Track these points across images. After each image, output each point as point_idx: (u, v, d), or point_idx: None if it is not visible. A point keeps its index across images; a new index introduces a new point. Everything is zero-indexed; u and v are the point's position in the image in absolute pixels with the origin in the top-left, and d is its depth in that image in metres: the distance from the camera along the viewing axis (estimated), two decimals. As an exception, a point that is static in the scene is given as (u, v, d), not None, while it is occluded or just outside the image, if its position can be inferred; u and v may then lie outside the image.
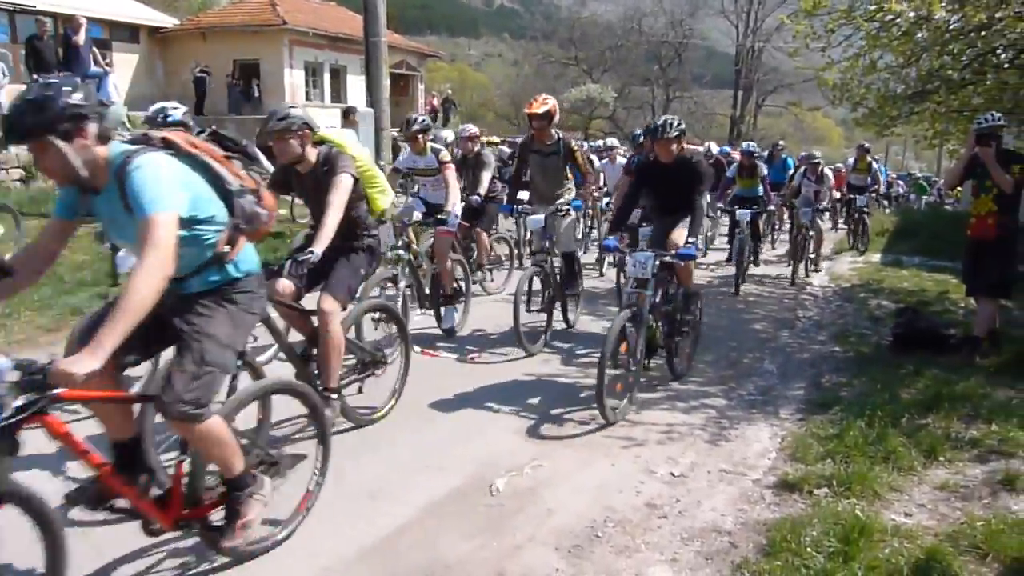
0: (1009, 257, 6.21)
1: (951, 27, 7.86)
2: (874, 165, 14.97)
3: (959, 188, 7.61)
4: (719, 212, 12.55)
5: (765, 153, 14.44)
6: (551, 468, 4.30)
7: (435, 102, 34.30)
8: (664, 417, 5.20)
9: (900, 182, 33.41)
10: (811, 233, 11.04)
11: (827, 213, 13.88)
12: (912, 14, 7.65)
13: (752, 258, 10.84)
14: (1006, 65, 8.48)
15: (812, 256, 11.40)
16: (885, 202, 24.72)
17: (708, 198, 11.28)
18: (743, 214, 10.04)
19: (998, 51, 8.43)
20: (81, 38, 13.86)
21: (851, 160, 15.53)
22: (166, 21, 27.65)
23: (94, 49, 14.65)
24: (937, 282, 10.19)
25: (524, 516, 3.76)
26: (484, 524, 3.67)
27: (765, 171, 11.01)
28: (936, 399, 5.16)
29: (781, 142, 14.40)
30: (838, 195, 14.80)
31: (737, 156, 13.31)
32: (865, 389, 5.67)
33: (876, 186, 15.19)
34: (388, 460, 4.31)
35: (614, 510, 3.82)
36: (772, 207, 11.30)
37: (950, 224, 14.72)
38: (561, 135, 6.95)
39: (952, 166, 7.73)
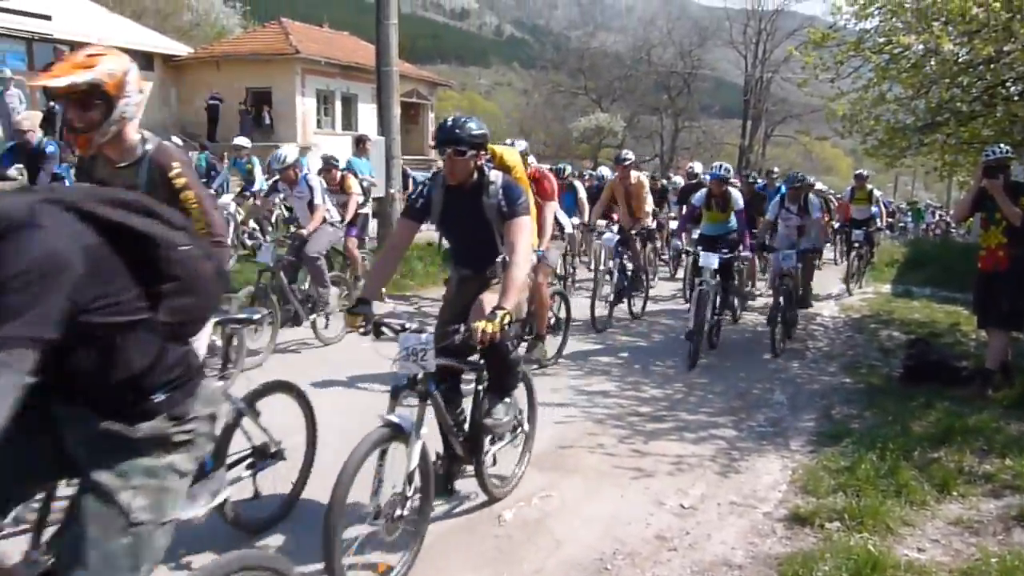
0: (1020, 289, 6.15)
1: (960, 60, 7.90)
2: (876, 194, 13.79)
3: (970, 220, 7.57)
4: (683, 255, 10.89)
5: (761, 182, 14.10)
6: (559, 498, 4.27)
7: (445, 130, 34.51)
8: (673, 448, 5.16)
9: (906, 214, 33.27)
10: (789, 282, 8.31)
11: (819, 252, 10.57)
12: (921, 47, 7.70)
13: (729, 314, 8.71)
14: (1015, 98, 8.51)
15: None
16: (888, 231, 24.62)
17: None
18: (708, 259, 7.47)
19: (1007, 84, 8.47)
20: None
21: (848, 190, 14.01)
22: (180, 50, 28.06)
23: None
24: (948, 313, 10.14)
25: (532, 547, 3.73)
26: (492, 555, 3.64)
27: (741, 203, 8.11)
28: (948, 432, 5.11)
29: (776, 169, 12.69)
30: (836, 225, 14.38)
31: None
32: (876, 421, 5.63)
33: (878, 219, 13.57)
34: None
35: (623, 542, 3.78)
36: (746, 252, 8.09)
37: (961, 255, 14.68)
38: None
39: (961, 198, 7.73)
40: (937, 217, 33.80)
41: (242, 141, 13.36)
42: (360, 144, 11.56)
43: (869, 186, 13.39)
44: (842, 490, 4.24)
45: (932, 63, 8.10)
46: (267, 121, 25.39)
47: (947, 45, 7.28)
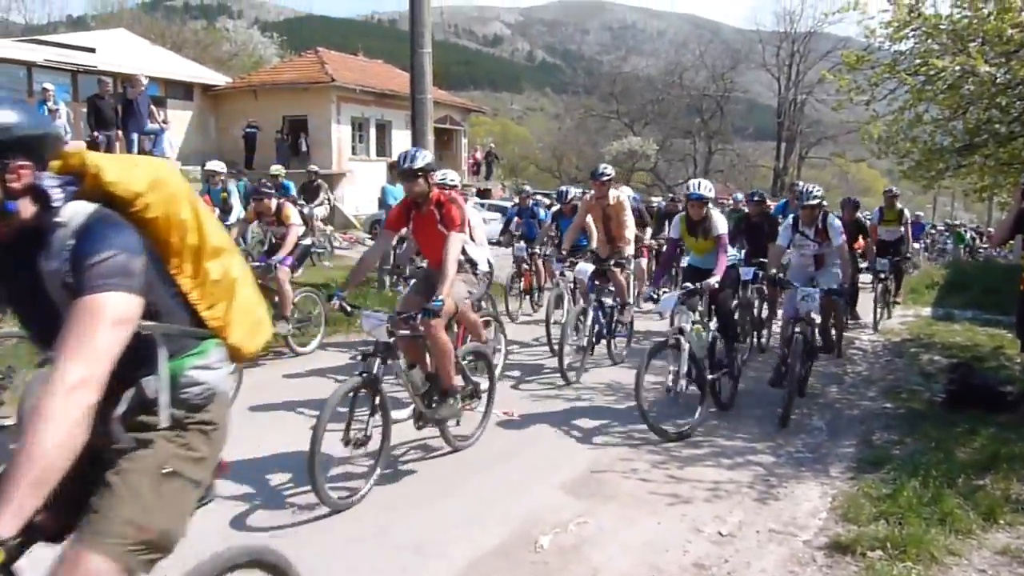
0: None
1: (998, 80, 7.80)
2: (906, 213, 12.12)
3: (1011, 242, 7.42)
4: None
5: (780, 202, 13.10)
6: (596, 525, 4.25)
7: (478, 155, 34.87)
8: (710, 474, 5.11)
9: (945, 233, 32.65)
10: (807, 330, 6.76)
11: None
12: (957, 68, 7.61)
13: (727, 370, 6.75)
14: (1056, 118, 8.39)
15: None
16: (926, 253, 24.14)
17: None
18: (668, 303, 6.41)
19: (1047, 104, 8.35)
20: (137, 95, 14.46)
21: (877, 210, 12.35)
22: (219, 80, 28.68)
23: (152, 107, 15.26)
24: (991, 336, 9.94)
25: (569, 574, 3.71)
26: (528, 582, 3.63)
27: (722, 228, 6.63)
28: (993, 459, 5.01)
29: (802, 184, 9.46)
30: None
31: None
32: (918, 447, 5.52)
33: (906, 242, 11.90)
34: (432, 515, 4.29)
35: (661, 570, 3.75)
36: (714, 279, 6.31)
37: (1003, 277, 14.40)
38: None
39: (1002, 220, 7.58)
40: (975, 242, 33.26)
41: (276, 169, 13.53)
42: (395, 170, 11.70)
43: (899, 205, 11.87)
44: (884, 518, 4.16)
45: (969, 84, 8.02)
46: (304, 148, 25.78)
47: (983, 67, 7.20)
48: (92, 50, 23.43)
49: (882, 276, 10.98)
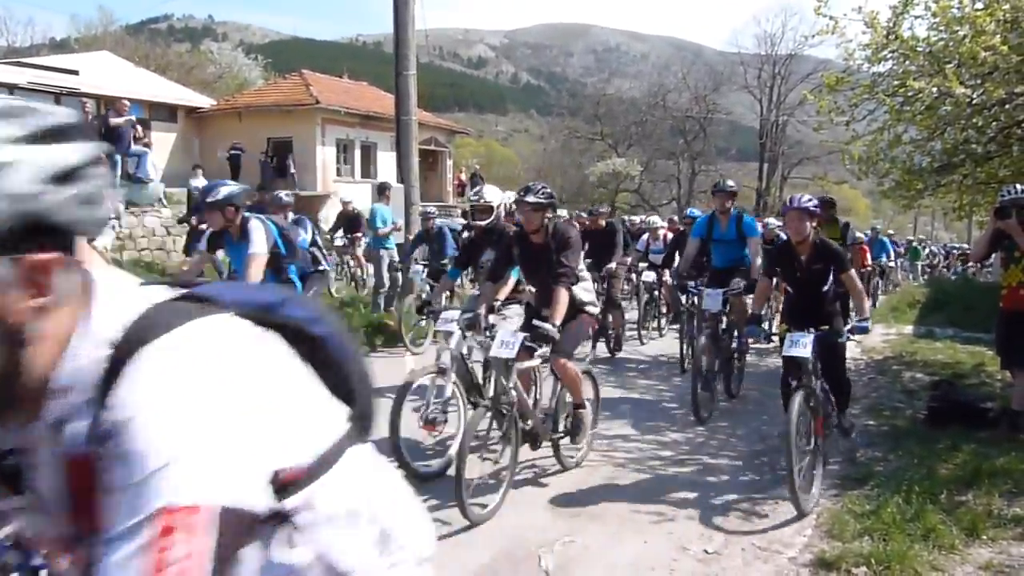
0: None
1: (973, 102, 7.93)
2: (855, 233, 11.57)
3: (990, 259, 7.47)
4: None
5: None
6: (582, 544, 4.25)
7: (463, 177, 34.98)
8: (695, 492, 5.12)
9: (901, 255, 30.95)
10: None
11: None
12: (934, 90, 7.74)
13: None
14: (1031, 138, 8.53)
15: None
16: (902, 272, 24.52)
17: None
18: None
19: (1022, 124, 8.48)
20: (120, 120, 14.49)
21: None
22: (203, 102, 28.69)
23: (136, 127, 15.29)
24: (972, 354, 10.03)
25: (555, 594, 3.70)
26: (514, 602, 3.61)
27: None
28: (975, 475, 5.04)
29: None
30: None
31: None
32: (901, 464, 5.56)
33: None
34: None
35: (647, 588, 3.75)
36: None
37: (983, 295, 14.55)
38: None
39: (978, 238, 7.65)
40: (935, 259, 33.28)
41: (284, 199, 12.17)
42: (383, 192, 11.72)
43: (842, 219, 10.27)
44: (868, 534, 4.19)
45: (946, 105, 8.14)
46: (291, 170, 25.76)
47: (959, 88, 7.32)
48: (75, 72, 23.41)
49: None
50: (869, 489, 4.97)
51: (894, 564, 3.79)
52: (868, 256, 14.89)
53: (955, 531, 4.22)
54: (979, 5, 7.69)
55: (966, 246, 37.71)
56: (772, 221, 13.56)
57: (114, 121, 14.47)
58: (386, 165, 26.13)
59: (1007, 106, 7.88)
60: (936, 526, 4.21)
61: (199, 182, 12.61)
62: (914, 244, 32.56)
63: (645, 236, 12.55)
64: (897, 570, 3.75)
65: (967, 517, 4.37)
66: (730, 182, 8.17)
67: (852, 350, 11.13)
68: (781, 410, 7.42)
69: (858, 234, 14.97)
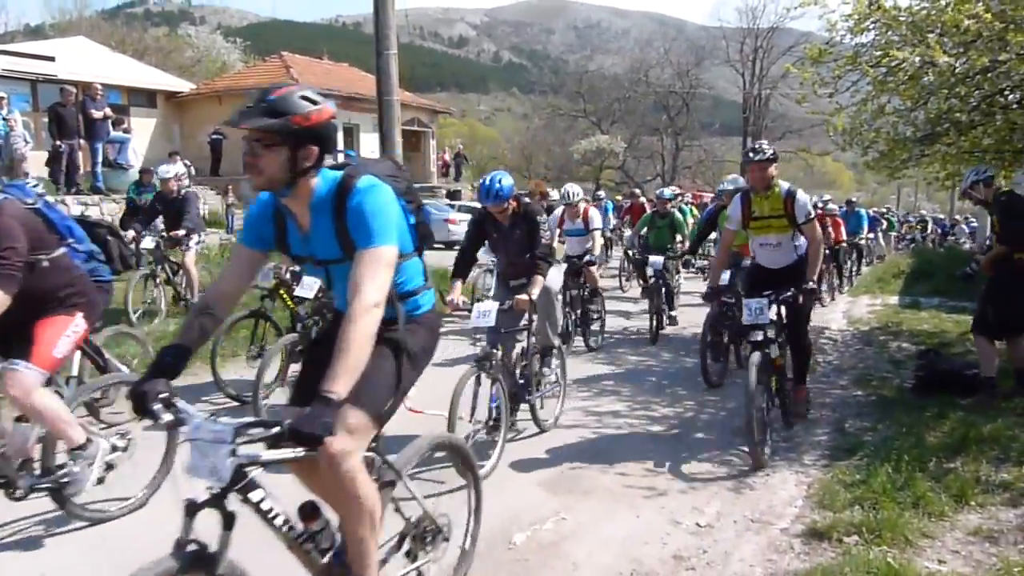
0: (1004, 297, 6.23)
1: (957, 71, 7.91)
2: (800, 198, 9.90)
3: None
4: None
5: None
6: (574, 521, 4.25)
7: (447, 157, 34.81)
8: (686, 466, 5.14)
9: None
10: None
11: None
12: (917, 59, 7.72)
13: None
14: (1014, 106, 8.53)
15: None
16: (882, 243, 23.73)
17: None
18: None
19: (1005, 92, 8.48)
20: (99, 114, 14.32)
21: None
22: (182, 86, 28.37)
23: (114, 114, 15.12)
24: (957, 323, 10.10)
25: (549, 571, 3.71)
26: (509, 580, 3.62)
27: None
28: (963, 442, 5.09)
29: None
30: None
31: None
32: (890, 433, 5.60)
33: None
34: (410, 516, 4.26)
35: (640, 563, 3.76)
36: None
37: (967, 265, 14.63)
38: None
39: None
40: (903, 226, 33.09)
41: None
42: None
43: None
44: (858, 504, 4.21)
45: (929, 75, 8.13)
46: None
47: (942, 58, 7.29)
48: (52, 59, 23.04)
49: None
50: (858, 459, 5.00)
51: (885, 532, 3.81)
52: (842, 231, 13.68)
53: (944, 498, 4.25)
54: (961, -27, 7.65)
55: (939, 214, 37.96)
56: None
57: (95, 114, 14.32)
58: (369, 146, 25.94)
59: (990, 74, 7.87)
60: (925, 493, 4.24)
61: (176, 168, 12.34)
62: (887, 216, 32.59)
63: (558, 212, 8.83)
64: (888, 538, 3.78)
65: (956, 484, 4.40)
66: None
67: (839, 321, 11.24)
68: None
69: (831, 205, 14.08)
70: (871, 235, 20.42)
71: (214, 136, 24.36)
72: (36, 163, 14.76)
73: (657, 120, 49.05)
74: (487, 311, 5.05)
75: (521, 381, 5.57)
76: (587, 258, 8.63)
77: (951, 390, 6.44)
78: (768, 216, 5.65)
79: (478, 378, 4.95)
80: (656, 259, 9.54)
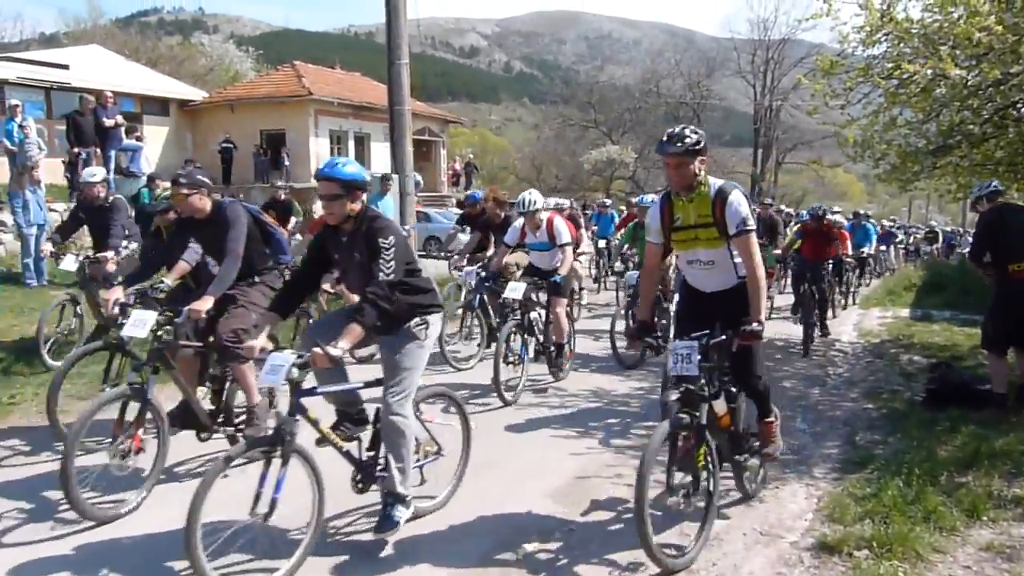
0: (1003, 312, 6.34)
1: (969, 83, 7.90)
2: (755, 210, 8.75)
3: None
4: None
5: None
6: (582, 532, 4.24)
7: (457, 166, 34.91)
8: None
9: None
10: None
11: None
12: (929, 72, 7.71)
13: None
14: (1027, 118, 8.51)
15: None
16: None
17: None
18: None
19: (1017, 105, 8.46)
20: (111, 122, 14.44)
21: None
22: (195, 94, 28.56)
23: (125, 122, 15.25)
24: (969, 336, 10.03)
25: (557, 582, 3.69)
26: (517, 591, 3.60)
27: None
28: (975, 456, 5.05)
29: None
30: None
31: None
32: (901, 446, 5.56)
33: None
34: (420, 524, 4.26)
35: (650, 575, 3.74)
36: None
37: (979, 277, 14.54)
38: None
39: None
40: (911, 238, 32.07)
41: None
42: (384, 183, 11.61)
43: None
44: (869, 517, 4.18)
45: (941, 87, 8.11)
46: (285, 163, 25.68)
47: (954, 70, 7.28)
48: (66, 67, 23.27)
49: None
50: (869, 472, 4.97)
51: (896, 546, 3.79)
52: (848, 245, 12.77)
53: (956, 513, 4.22)
54: (973, -14, 7.64)
55: (953, 227, 37.66)
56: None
57: (107, 122, 14.45)
58: (380, 156, 26.06)
59: (1002, 87, 7.85)
60: (937, 508, 4.21)
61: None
62: (890, 228, 32.37)
63: (518, 224, 7.77)
64: (899, 552, 3.75)
65: (967, 499, 4.37)
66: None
67: (849, 333, 11.19)
68: (778, 395, 7.47)
69: (837, 217, 12.80)
70: (883, 248, 20.15)
71: (224, 145, 24.51)
72: (49, 170, 14.86)
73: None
74: (279, 364, 3.59)
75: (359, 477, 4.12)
76: (555, 278, 7.34)
77: (963, 404, 6.40)
78: (694, 225, 4.14)
79: (268, 461, 3.53)
80: (632, 274, 8.78)
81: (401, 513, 3.94)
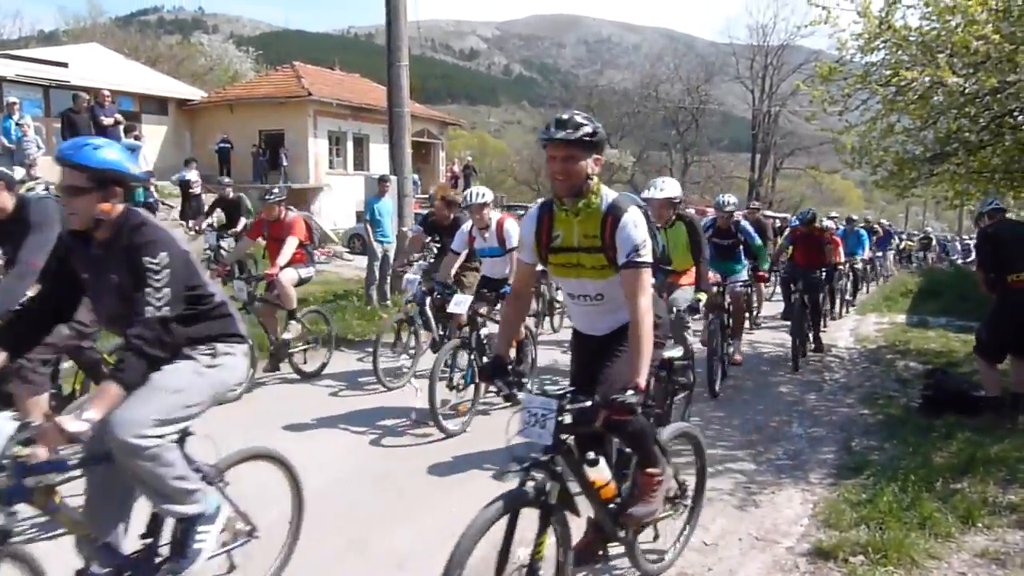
0: (997, 319, 6.47)
1: (966, 91, 7.92)
2: (743, 224, 8.61)
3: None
4: None
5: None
6: (577, 536, 4.23)
7: (455, 169, 34.90)
8: (691, 482, 5.11)
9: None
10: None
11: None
12: (927, 79, 7.73)
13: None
14: (1023, 127, 8.54)
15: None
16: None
17: None
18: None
19: (1014, 113, 8.49)
20: (110, 121, 14.46)
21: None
22: (194, 94, 28.56)
23: (124, 121, 15.25)
24: (965, 342, 10.06)
25: (553, 585, 3.68)
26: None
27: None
28: (970, 462, 5.06)
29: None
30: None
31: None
32: (896, 452, 5.58)
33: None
34: (413, 531, 4.26)
35: (644, 579, 3.74)
36: None
37: (975, 284, 14.57)
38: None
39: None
40: (903, 244, 31.27)
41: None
42: (381, 184, 11.59)
43: (739, 216, 8.88)
44: (865, 523, 4.19)
45: (939, 95, 8.14)
46: (284, 163, 25.66)
47: (951, 78, 7.31)
48: (65, 65, 23.27)
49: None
50: (865, 478, 4.98)
51: (891, 552, 3.80)
52: (841, 252, 12.06)
53: (951, 519, 4.23)
54: (970, -6, 7.67)
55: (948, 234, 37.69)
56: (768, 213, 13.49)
57: (105, 121, 14.45)
58: (379, 157, 26.07)
59: (999, 95, 7.87)
60: (932, 514, 4.22)
61: (192, 175, 12.45)
62: (888, 228, 32.29)
63: (466, 227, 7.03)
64: (894, 558, 3.77)
65: (962, 505, 4.38)
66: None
67: (846, 339, 11.20)
68: (775, 400, 7.49)
69: (828, 223, 12.88)
70: (879, 254, 19.81)
71: (221, 145, 24.50)
72: (47, 168, 14.87)
73: (666, 135, 49.17)
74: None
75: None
76: (505, 289, 6.34)
77: (958, 410, 6.43)
78: (577, 248, 3.23)
79: None
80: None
81: (204, 535, 2.95)
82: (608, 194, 3.22)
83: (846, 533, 4.13)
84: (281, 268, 7.21)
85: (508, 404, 3.15)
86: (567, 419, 2.89)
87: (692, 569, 3.86)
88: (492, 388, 4.38)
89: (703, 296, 5.68)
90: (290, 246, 7.24)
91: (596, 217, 3.17)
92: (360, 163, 28.52)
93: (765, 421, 6.73)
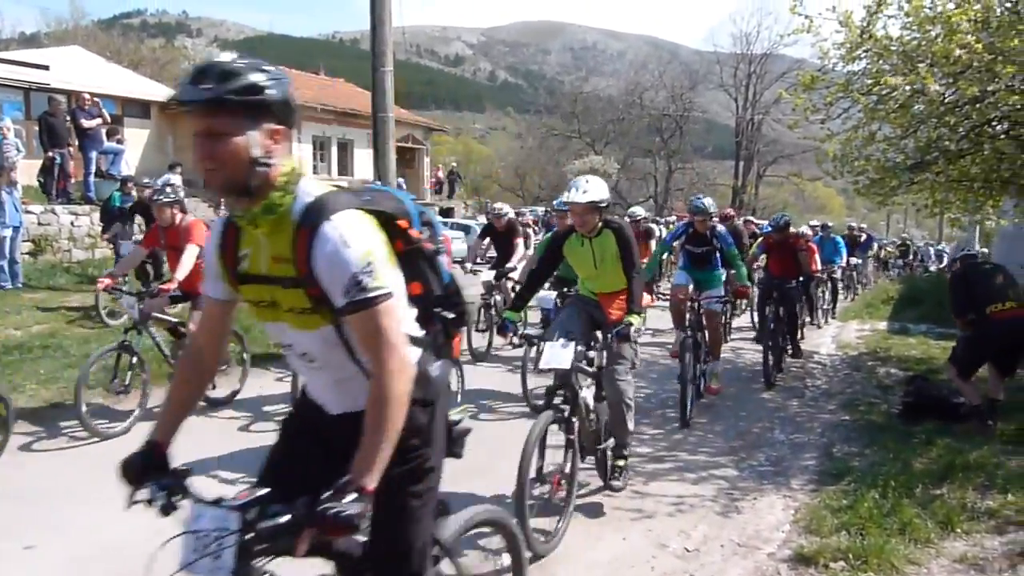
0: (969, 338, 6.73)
1: (946, 100, 8.00)
2: (719, 230, 7.72)
3: None
4: None
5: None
6: (561, 543, 4.23)
7: (440, 174, 34.92)
8: (673, 488, 5.12)
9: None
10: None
11: None
12: (908, 88, 7.80)
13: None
14: (1002, 136, 8.61)
15: None
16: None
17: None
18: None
19: (993, 123, 8.57)
20: (91, 124, 14.32)
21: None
22: (177, 98, 28.31)
23: (109, 122, 15.10)
24: (944, 350, 10.12)
25: (535, 592, 3.68)
26: (494, 601, 3.58)
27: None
28: (949, 468, 5.11)
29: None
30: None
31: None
32: (877, 459, 5.61)
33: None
34: None
35: (626, 585, 3.74)
36: None
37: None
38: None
39: None
40: (882, 251, 30.20)
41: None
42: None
43: (714, 221, 7.85)
44: (845, 529, 4.21)
45: (919, 103, 8.22)
46: (267, 167, 25.59)
47: (933, 86, 7.38)
48: (46, 67, 23.01)
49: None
50: (846, 484, 5.01)
51: (871, 558, 3.82)
52: (817, 259, 11.17)
53: (930, 525, 4.26)
54: (951, 4, 7.75)
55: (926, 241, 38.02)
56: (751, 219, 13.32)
57: (85, 124, 14.32)
58: (363, 162, 26.02)
59: (979, 104, 7.95)
60: (912, 520, 4.25)
61: (176, 179, 12.28)
62: (869, 233, 32.28)
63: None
64: (874, 564, 3.78)
65: (942, 510, 4.42)
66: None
67: (828, 345, 11.27)
68: (758, 406, 7.52)
69: (804, 229, 12.13)
70: (858, 261, 19.33)
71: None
72: (28, 172, 14.72)
73: (650, 142, 49.31)
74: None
75: None
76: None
77: (938, 417, 6.49)
78: (268, 277, 2.08)
79: None
80: (546, 296, 7.55)
81: None
82: (307, 192, 2.05)
83: (827, 539, 4.14)
84: (179, 282, 6.15)
85: None
86: (259, 539, 1.90)
87: (675, 575, 3.86)
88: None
89: (636, 320, 4.52)
90: (190, 255, 6.14)
91: (286, 230, 2.00)
92: (344, 168, 28.45)
93: (747, 427, 6.76)
